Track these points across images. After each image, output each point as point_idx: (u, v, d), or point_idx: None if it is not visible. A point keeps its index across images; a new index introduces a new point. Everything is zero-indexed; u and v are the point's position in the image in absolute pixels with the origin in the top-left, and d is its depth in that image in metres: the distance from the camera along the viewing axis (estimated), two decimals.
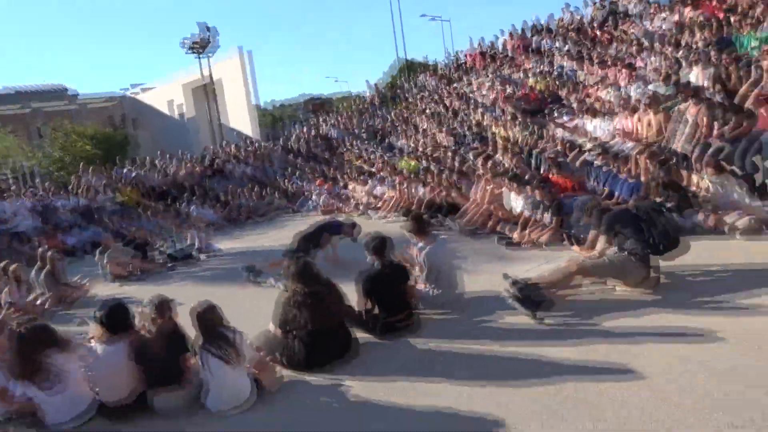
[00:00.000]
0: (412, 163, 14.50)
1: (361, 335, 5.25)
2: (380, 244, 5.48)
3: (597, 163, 8.91)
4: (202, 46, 25.85)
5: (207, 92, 26.70)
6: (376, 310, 5.37)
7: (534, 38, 19.91)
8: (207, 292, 7.06)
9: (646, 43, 13.18)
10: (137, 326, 4.74)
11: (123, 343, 4.44)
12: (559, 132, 11.30)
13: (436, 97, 20.78)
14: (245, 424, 4.14)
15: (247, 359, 4.46)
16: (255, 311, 6.36)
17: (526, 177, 9.14)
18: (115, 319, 4.53)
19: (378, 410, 3.99)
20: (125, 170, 18.09)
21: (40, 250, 9.68)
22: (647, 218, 5.47)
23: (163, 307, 4.60)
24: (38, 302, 8.20)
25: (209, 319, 4.42)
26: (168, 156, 19.59)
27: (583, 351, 4.32)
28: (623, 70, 12.37)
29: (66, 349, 4.52)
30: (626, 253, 5.36)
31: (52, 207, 15.22)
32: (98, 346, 4.46)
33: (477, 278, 6.58)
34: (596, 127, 10.61)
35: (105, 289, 9.26)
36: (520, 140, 12.48)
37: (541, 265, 6.38)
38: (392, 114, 22.05)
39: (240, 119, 32.51)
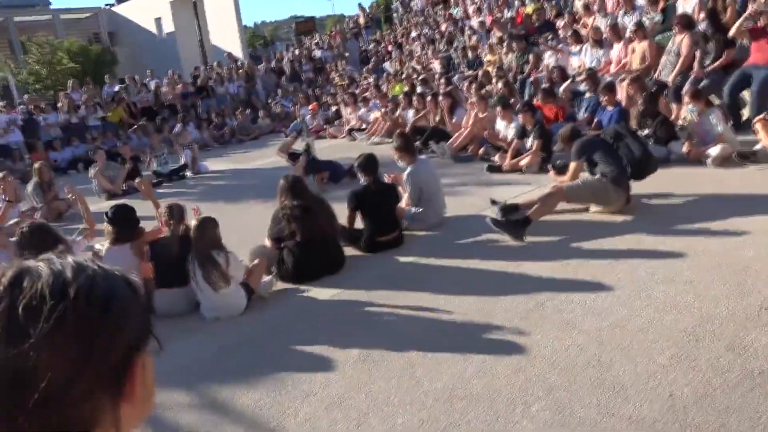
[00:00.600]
0: (400, 87, 14.48)
1: (348, 250, 5.56)
2: (367, 162, 5.69)
3: (583, 89, 9.05)
4: None
5: (195, 7, 25.83)
6: (363, 226, 5.64)
7: None
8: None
9: None
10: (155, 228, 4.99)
11: (128, 245, 4.66)
12: (549, 59, 11.33)
13: (430, 20, 20.44)
14: (235, 327, 4.44)
15: (238, 278, 4.66)
16: (244, 228, 6.63)
17: (513, 102, 9.28)
18: (122, 217, 4.73)
19: (364, 317, 4.30)
20: (111, 88, 17.82)
21: (35, 165, 9.74)
22: (614, 141, 5.72)
23: (175, 211, 4.81)
24: (29, 214, 8.36)
25: (204, 236, 4.58)
26: (150, 73, 19.26)
27: (557, 266, 4.65)
28: None
29: (66, 250, 4.75)
30: (598, 176, 5.63)
31: (37, 122, 15.11)
32: (104, 248, 4.68)
33: (460, 200, 6.85)
34: (586, 55, 10.66)
35: (96, 205, 9.42)
36: (509, 66, 12.49)
37: (528, 191, 6.65)
38: (383, 37, 21.71)
39: (226, 38, 31.67)
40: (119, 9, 40.85)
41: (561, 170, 6.40)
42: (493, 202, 6.07)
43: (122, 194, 10.07)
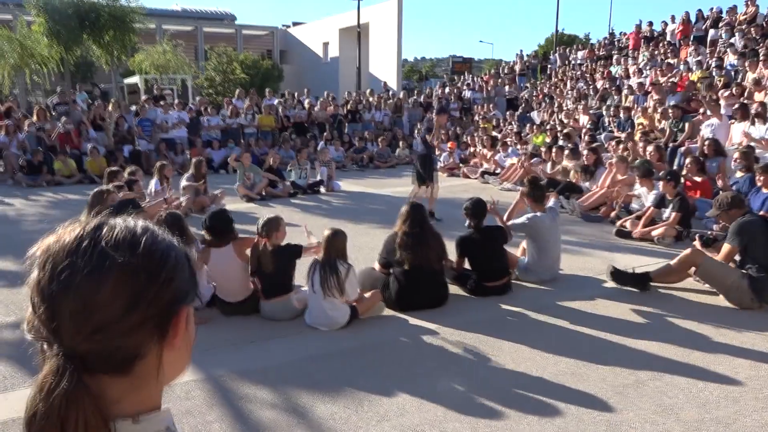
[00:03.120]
0: (542, 138, 14.31)
1: (454, 288, 5.56)
2: (474, 207, 5.66)
3: (735, 167, 8.43)
4: None
5: (359, 36, 27.22)
6: (471, 269, 5.62)
7: (698, 25, 18.70)
8: (321, 223, 7.63)
9: None
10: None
11: (228, 248, 4.98)
12: (706, 130, 10.67)
13: (587, 75, 20.07)
14: (330, 339, 4.58)
15: (350, 295, 4.83)
16: (359, 249, 6.85)
17: (659, 171, 8.83)
18: (218, 224, 5.07)
19: (454, 356, 4.28)
20: (271, 100, 19.16)
21: (193, 160, 10.70)
22: None
23: (271, 226, 5.03)
24: (176, 202, 9.18)
25: (334, 245, 4.82)
26: (306, 91, 20.50)
27: (670, 345, 4.34)
28: None
29: (191, 244, 5.18)
30: (743, 271, 5.12)
31: (201, 122, 16.58)
32: (210, 250, 5.04)
33: (580, 259, 6.63)
34: (749, 131, 9.93)
35: (234, 203, 10.16)
36: (663, 132, 11.94)
37: (654, 264, 6.30)
38: (535, 86, 21.60)
39: (384, 68, 33.08)
40: (293, 30, 44.22)
41: (708, 244, 5.88)
42: (614, 270, 5.77)
43: (259, 199, 10.77)
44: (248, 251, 5.12)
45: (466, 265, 5.69)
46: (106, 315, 0.80)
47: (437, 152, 15.42)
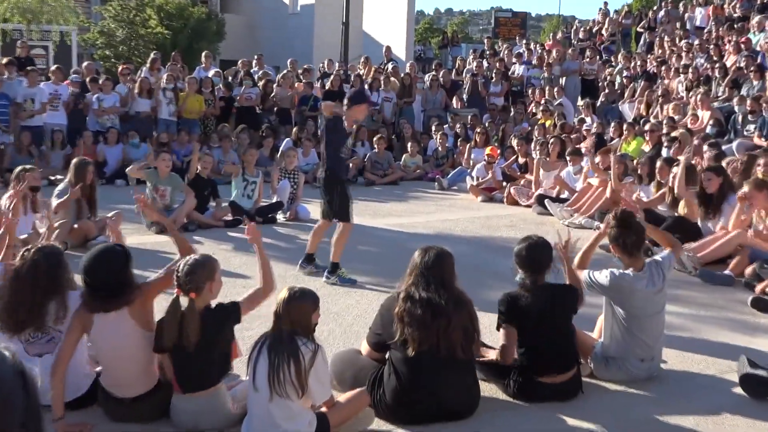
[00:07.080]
0: (637, 144, 14.36)
1: (488, 388, 5.52)
2: (530, 254, 5.58)
3: None
4: None
5: None
6: (517, 353, 5.58)
7: None
8: (275, 272, 7.54)
9: None
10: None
11: (121, 313, 4.84)
12: None
13: (710, 47, 20.21)
14: None
15: (317, 396, 4.71)
16: (336, 319, 6.80)
17: None
18: (103, 275, 4.90)
19: None
20: (206, 71, 19.15)
21: (73, 161, 10.50)
22: None
23: (200, 273, 4.87)
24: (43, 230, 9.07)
25: (291, 312, 4.66)
26: (258, 59, 20.58)
27: None
28: None
29: (64, 300, 5.05)
30: None
31: (88, 102, 16.61)
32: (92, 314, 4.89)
33: (694, 345, 6.63)
34: None
35: (136, 235, 10.10)
36: None
37: None
38: (628, 60, 21.72)
39: (386, 26, 33.35)
40: None
41: None
42: (752, 365, 5.72)
43: (182, 229, 10.70)
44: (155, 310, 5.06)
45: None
46: None
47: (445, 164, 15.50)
